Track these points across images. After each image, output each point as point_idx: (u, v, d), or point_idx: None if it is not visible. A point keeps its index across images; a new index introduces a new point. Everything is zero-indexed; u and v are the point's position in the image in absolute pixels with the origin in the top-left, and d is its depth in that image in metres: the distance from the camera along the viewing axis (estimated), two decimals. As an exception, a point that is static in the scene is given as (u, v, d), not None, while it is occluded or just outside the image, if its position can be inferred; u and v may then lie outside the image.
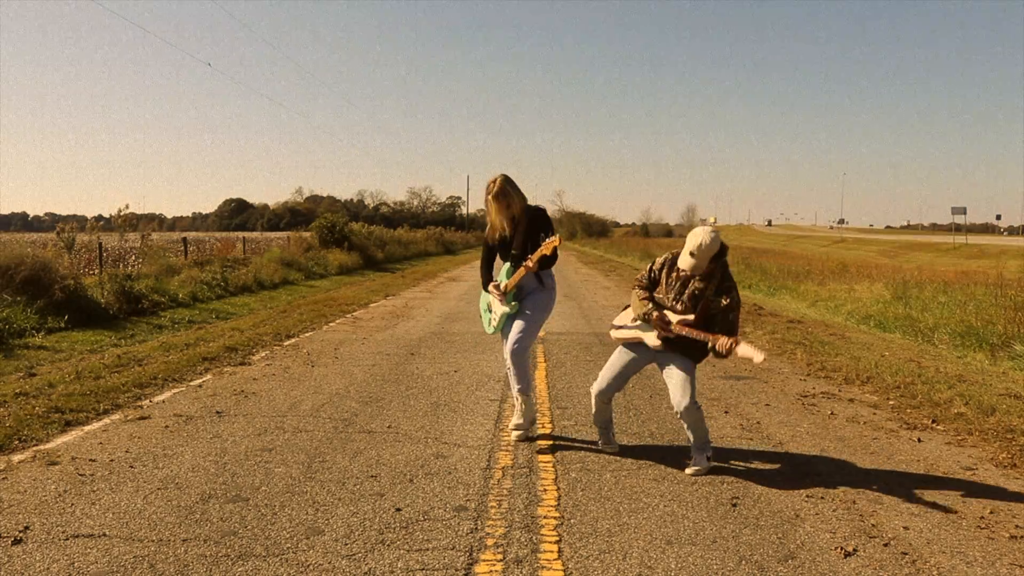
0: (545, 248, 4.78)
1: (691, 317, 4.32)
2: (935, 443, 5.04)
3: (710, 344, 4.20)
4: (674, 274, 4.45)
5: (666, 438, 5.06)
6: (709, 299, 4.32)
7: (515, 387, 5.00)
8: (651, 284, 4.57)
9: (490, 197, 4.91)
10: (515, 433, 4.99)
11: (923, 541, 3.47)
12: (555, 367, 7.66)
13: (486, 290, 5.11)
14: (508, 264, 5.00)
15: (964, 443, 5.05)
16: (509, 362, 4.96)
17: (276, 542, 3.38)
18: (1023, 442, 4.98)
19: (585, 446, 4.88)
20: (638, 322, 4.56)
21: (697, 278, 4.34)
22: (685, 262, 4.29)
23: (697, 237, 4.27)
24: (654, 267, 4.61)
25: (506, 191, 4.89)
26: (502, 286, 4.96)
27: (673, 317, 4.37)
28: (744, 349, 4.06)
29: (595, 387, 4.72)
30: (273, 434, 5.11)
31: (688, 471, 4.37)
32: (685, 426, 4.44)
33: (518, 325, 4.94)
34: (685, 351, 4.41)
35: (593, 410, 4.76)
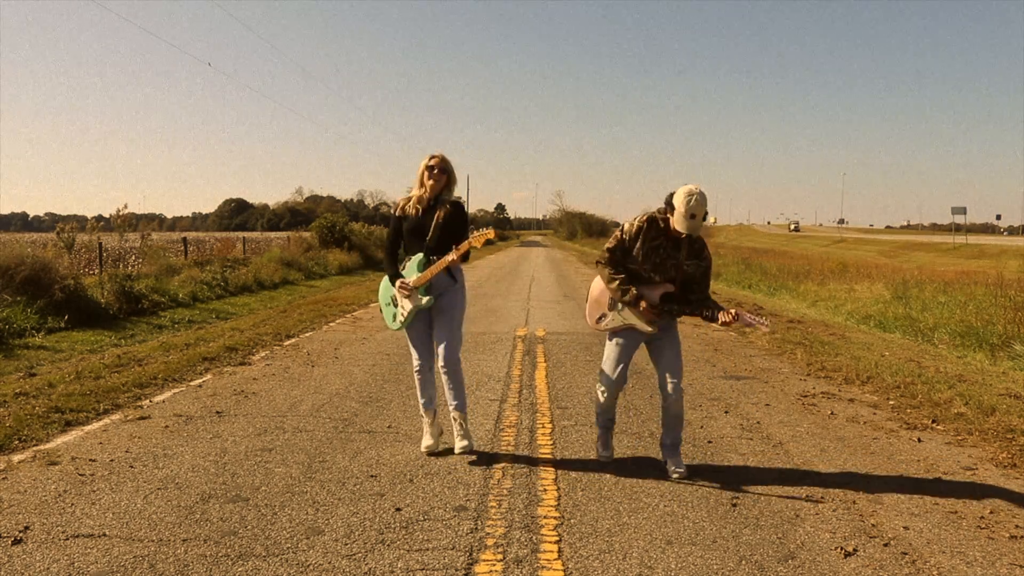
0: (476, 240, 4.45)
1: (671, 287, 4.22)
2: (935, 443, 5.04)
3: (708, 315, 4.18)
4: (649, 240, 4.20)
5: (666, 438, 5.05)
6: (683, 263, 4.21)
7: (452, 403, 4.59)
8: (623, 254, 4.29)
9: (430, 169, 4.50)
10: (463, 454, 4.53)
11: (923, 541, 3.47)
12: (555, 367, 7.66)
13: (392, 284, 4.63)
14: (419, 256, 4.55)
15: (964, 443, 5.05)
16: (445, 375, 4.58)
17: (276, 542, 3.38)
18: (1023, 442, 4.98)
19: (585, 446, 4.88)
20: (617, 307, 4.31)
21: (672, 243, 4.18)
22: (684, 225, 4.03)
23: (691, 196, 4.02)
24: (625, 235, 4.26)
25: (448, 169, 4.57)
26: (411, 281, 4.52)
27: (653, 291, 4.22)
28: (747, 319, 4.15)
29: (608, 382, 4.39)
30: (273, 434, 5.11)
31: (676, 475, 4.25)
32: (668, 415, 4.32)
33: (445, 331, 4.56)
34: (673, 325, 4.35)
35: (601, 408, 4.49)
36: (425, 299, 4.54)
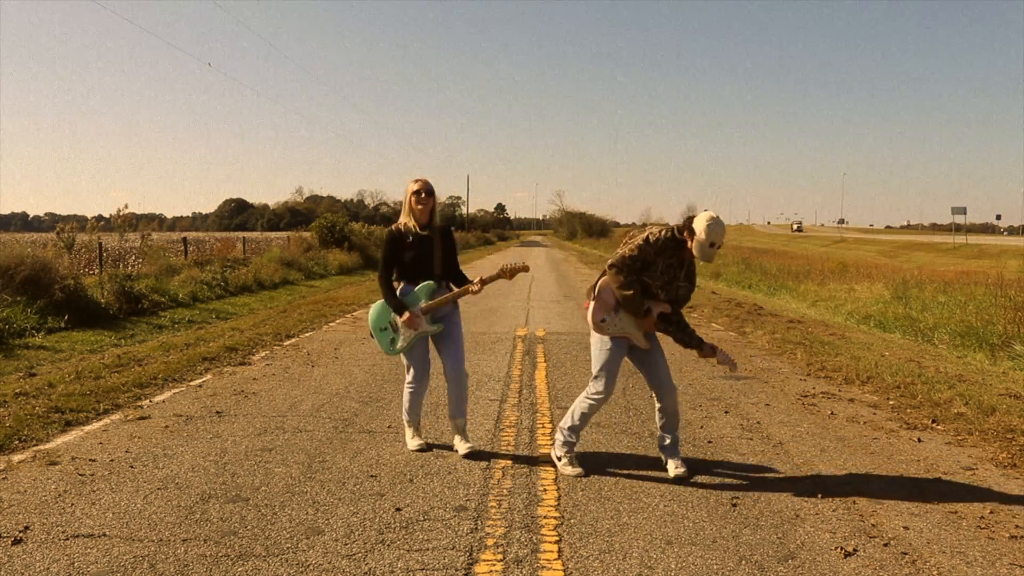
0: (506, 274, 4.59)
1: (668, 307, 4.25)
2: (935, 443, 5.04)
3: (690, 343, 4.30)
4: (667, 257, 4.16)
5: (666, 438, 5.05)
6: (680, 283, 4.25)
7: (459, 415, 4.71)
8: (643, 265, 4.17)
9: (417, 194, 4.56)
10: (469, 452, 4.61)
11: (923, 541, 3.47)
12: (555, 367, 7.66)
13: (396, 311, 4.60)
14: (429, 283, 4.60)
15: (964, 443, 5.05)
16: (452, 388, 4.70)
17: (276, 542, 3.38)
18: (1023, 442, 4.98)
19: (585, 446, 4.87)
20: (617, 313, 4.28)
21: (678, 263, 4.18)
22: (702, 253, 4.02)
23: (713, 224, 3.99)
24: (650, 248, 4.14)
25: (433, 191, 4.64)
26: (421, 306, 4.59)
27: (656, 308, 4.24)
28: (722, 356, 4.25)
29: (606, 390, 4.35)
30: (273, 434, 5.11)
31: (677, 472, 4.26)
32: (666, 416, 4.35)
33: (452, 350, 4.68)
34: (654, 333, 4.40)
35: (584, 420, 4.42)
36: (435, 326, 4.65)
